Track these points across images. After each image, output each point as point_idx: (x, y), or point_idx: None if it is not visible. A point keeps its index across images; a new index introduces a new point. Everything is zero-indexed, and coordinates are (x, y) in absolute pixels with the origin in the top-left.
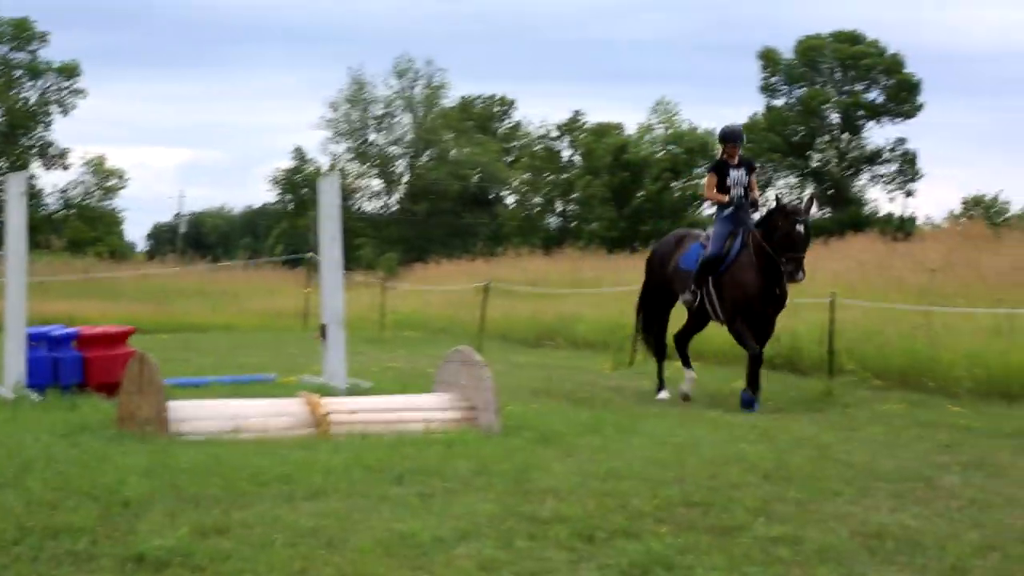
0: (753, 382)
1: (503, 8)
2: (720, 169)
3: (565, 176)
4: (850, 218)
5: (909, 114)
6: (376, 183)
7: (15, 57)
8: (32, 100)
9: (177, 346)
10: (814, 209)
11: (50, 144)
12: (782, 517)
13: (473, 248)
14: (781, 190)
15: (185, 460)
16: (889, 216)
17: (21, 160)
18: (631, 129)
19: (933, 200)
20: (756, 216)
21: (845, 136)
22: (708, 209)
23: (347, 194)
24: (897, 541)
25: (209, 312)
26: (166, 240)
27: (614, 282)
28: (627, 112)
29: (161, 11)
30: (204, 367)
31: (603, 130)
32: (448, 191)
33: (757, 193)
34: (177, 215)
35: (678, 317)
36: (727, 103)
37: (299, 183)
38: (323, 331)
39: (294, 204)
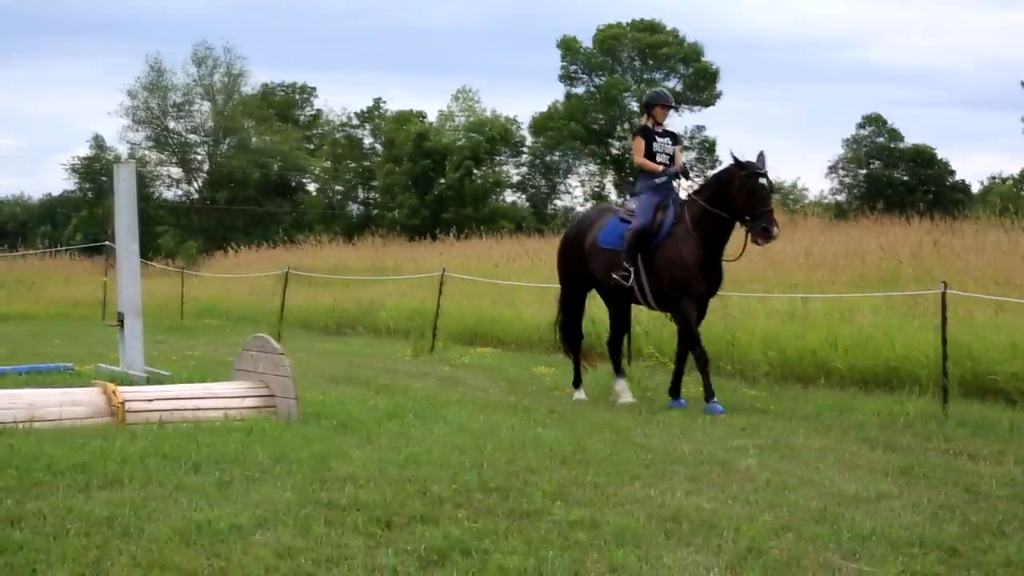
0: (708, 385)
1: None
2: (647, 134)
3: (367, 164)
4: None
5: (708, 102)
6: (176, 171)
7: None
8: None
9: None
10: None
11: None
12: (580, 501)
13: (275, 236)
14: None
15: None
16: None
17: None
18: (432, 117)
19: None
20: (690, 185)
21: None
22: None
23: (146, 182)
24: (693, 523)
25: (6, 301)
26: None
27: (415, 269)
28: (428, 100)
29: None
30: (0, 356)
31: (404, 118)
32: (249, 179)
33: (680, 165)
34: None
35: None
36: (528, 91)
37: (98, 171)
38: (120, 320)
39: (93, 192)
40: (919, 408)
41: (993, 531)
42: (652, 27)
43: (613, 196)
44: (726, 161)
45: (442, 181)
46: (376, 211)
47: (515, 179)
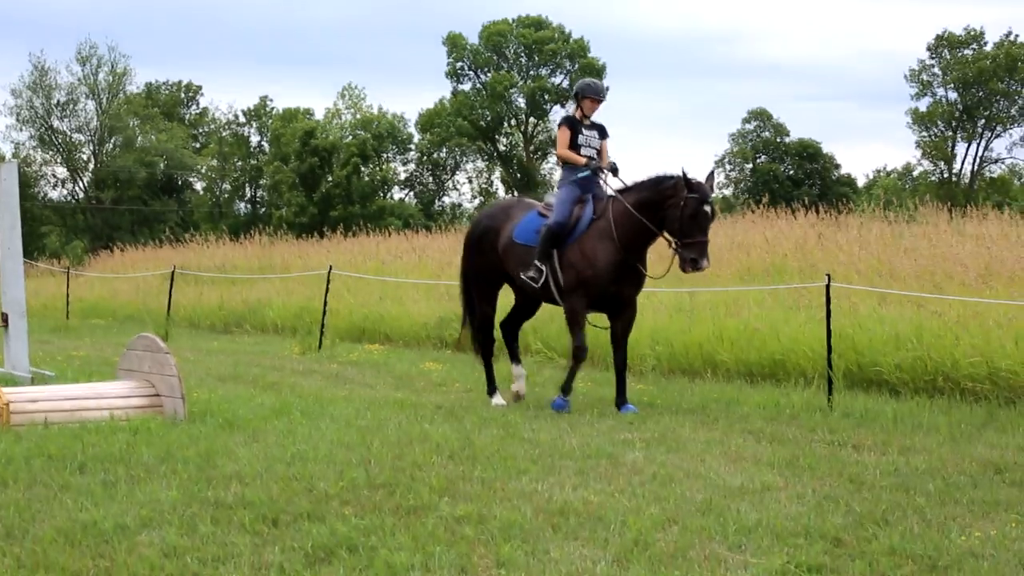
0: (570, 381)
1: None
2: (573, 126)
3: (254, 162)
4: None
5: None
6: (61, 171)
7: None
8: None
9: None
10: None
11: None
12: (467, 496)
13: (161, 235)
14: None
15: None
16: None
17: None
18: (319, 115)
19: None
20: (615, 183)
21: (531, 120)
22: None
23: (31, 182)
24: (580, 517)
25: None
26: None
27: (303, 267)
28: (315, 98)
29: None
30: None
31: (291, 115)
32: (135, 178)
33: (608, 163)
34: None
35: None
36: (415, 88)
37: None
38: (4, 320)
39: None
40: (804, 400)
41: (877, 520)
42: (538, 23)
43: (501, 192)
44: (614, 155)
45: (329, 179)
46: (264, 209)
47: (402, 176)
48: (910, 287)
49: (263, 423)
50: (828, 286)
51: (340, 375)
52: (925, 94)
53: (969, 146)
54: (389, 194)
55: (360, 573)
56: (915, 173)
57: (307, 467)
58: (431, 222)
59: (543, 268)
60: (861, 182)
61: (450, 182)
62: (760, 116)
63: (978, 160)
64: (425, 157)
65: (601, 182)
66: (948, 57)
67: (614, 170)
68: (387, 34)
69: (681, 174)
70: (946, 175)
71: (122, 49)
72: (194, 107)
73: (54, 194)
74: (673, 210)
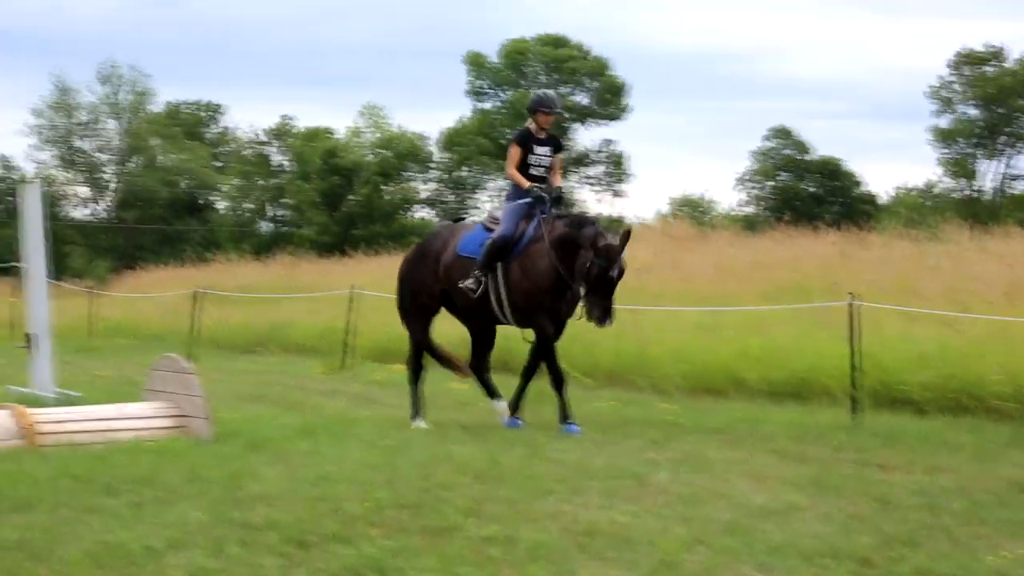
0: (519, 395)
1: (208, 13)
2: (524, 142)
3: (276, 181)
4: None
5: (615, 116)
6: (84, 190)
7: None
8: None
9: None
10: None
11: None
12: (494, 517)
13: (184, 255)
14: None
15: None
16: (598, 217)
17: None
18: (341, 133)
19: (643, 201)
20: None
21: None
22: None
23: (54, 201)
24: (608, 538)
25: None
26: None
27: (327, 287)
28: (336, 117)
29: None
30: None
31: (313, 135)
32: (158, 198)
33: (559, 179)
34: None
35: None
36: (436, 107)
37: (4, 192)
38: (29, 341)
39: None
40: (830, 419)
41: (904, 540)
42: (558, 41)
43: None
44: (635, 173)
45: (352, 198)
46: (286, 228)
47: (424, 195)
48: (935, 306)
49: (289, 443)
50: (852, 305)
51: (365, 395)
52: (946, 111)
53: (991, 163)
54: (411, 213)
55: None
56: (937, 190)
57: (333, 488)
58: None
59: (482, 279)
60: (882, 200)
61: (472, 200)
62: (782, 134)
63: (1001, 177)
64: (447, 176)
65: (545, 201)
66: (969, 74)
67: (557, 199)
68: (408, 53)
69: (594, 231)
70: (969, 192)
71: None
72: (215, 126)
73: (77, 213)
74: (582, 263)
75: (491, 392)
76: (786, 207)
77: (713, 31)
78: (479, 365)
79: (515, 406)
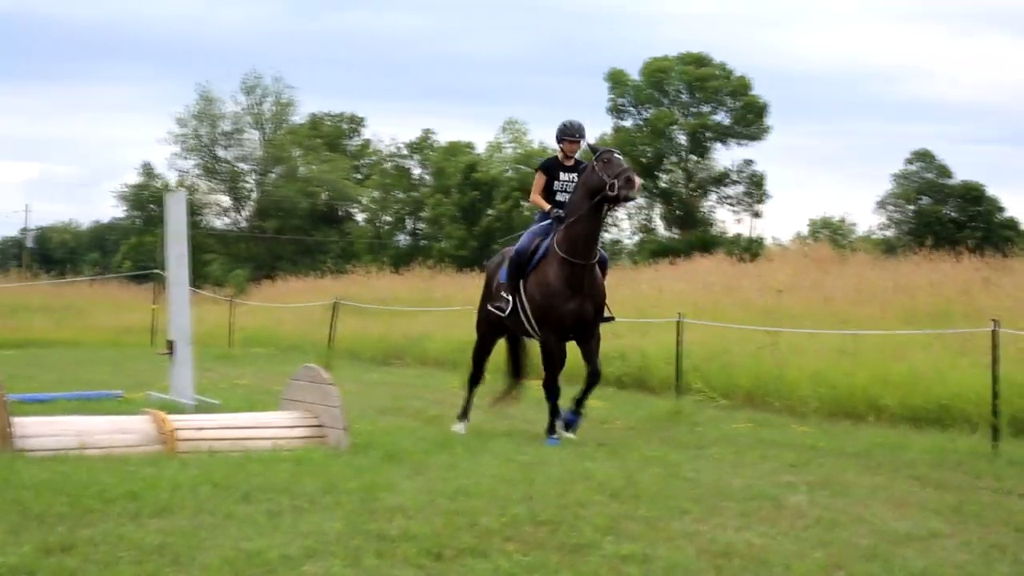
0: (552, 413)
1: (353, 26)
2: (550, 170)
3: (415, 194)
4: (698, 239)
5: (755, 136)
6: (225, 200)
7: None
8: None
9: (22, 362)
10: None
11: None
12: (631, 535)
13: (323, 266)
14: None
15: (30, 477)
16: (737, 237)
17: None
18: (481, 148)
19: (780, 222)
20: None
21: (693, 157)
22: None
23: (195, 210)
24: (744, 559)
25: (55, 328)
26: (11, 255)
27: (464, 300)
28: (477, 131)
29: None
30: (50, 383)
31: (453, 149)
32: (297, 208)
33: None
34: (23, 230)
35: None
36: None
37: (147, 199)
38: (170, 348)
39: (142, 220)
40: (970, 446)
41: None
42: (700, 60)
43: (661, 229)
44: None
45: (490, 212)
46: (424, 242)
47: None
48: None
49: (425, 456)
50: (995, 332)
51: (500, 410)
52: None
53: None
54: None
55: None
56: None
57: (470, 502)
58: None
59: (510, 298)
60: None
61: (610, 218)
62: (923, 157)
63: None
64: None
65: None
66: None
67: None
68: (550, 69)
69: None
70: None
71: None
72: (357, 138)
73: (218, 222)
74: (595, 175)
75: (465, 410)
76: (926, 231)
77: (857, 51)
78: (516, 381)
79: (565, 419)
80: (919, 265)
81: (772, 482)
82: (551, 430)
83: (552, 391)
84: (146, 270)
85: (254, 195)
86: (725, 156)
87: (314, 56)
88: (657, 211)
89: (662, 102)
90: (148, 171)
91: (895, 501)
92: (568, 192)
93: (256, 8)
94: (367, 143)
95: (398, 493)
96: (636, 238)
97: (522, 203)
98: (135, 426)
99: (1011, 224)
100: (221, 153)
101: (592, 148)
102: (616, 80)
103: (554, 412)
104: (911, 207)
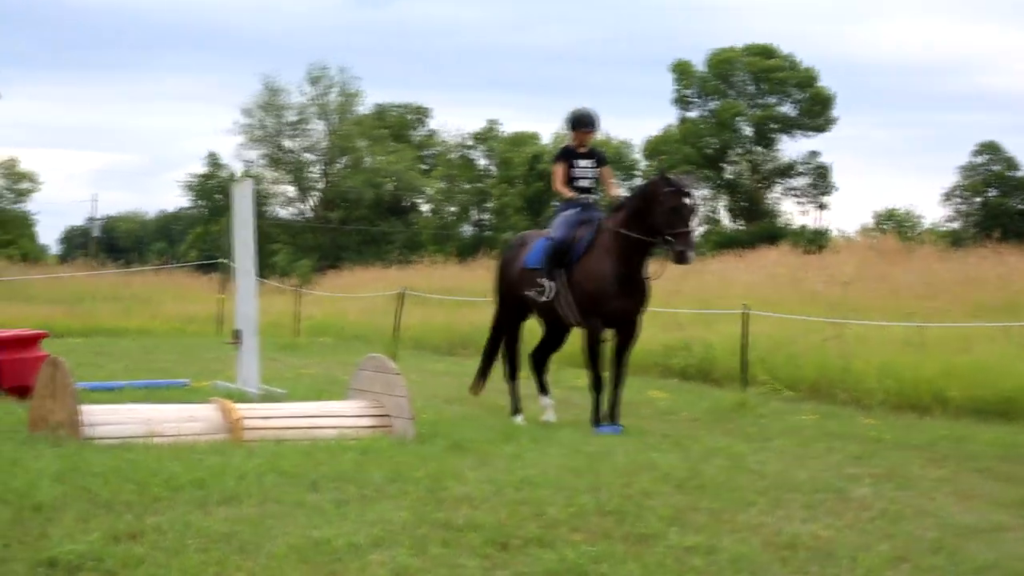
0: (596, 407)
1: (417, 17)
2: (567, 158)
3: (480, 185)
4: (763, 230)
5: (822, 128)
6: (290, 190)
7: None
8: None
9: (90, 350)
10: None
11: None
12: (696, 526)
13: (388, 256)
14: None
15: (98, 464)
16: (802, 229)
17: None
18: (546, 139)
19: (846, 213)
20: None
21: (758, 149)
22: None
23: (261, 200)
24: (809, 551)
25: (122, 316)
26: (79, 244)
27: None
28: (542, 122)
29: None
30: (117, 371)
31: (518, 139)
32: (363, 199)
33: (615, 189)
34: (90, 219)
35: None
36: (641, 115)
37: (212, 189)
38: (237, 337)
39: (208, 210)
40: None
41: None
42: (766, 51)
43: (726, 221)
44: (839, 185)
45: (555, 203)
46: (489, 232)
47: None
48: None
49: (491, 446)
50: None
51: (566, 400)
52: None
53: None
54: None
55: None
56: None
57: (536, 492)
58: None
59: (547, 284)
60: None
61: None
62: (990, 149)
63: None
64: None
65: (595, 207)
66: None
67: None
68: (615, 60)
69: (659, 177)
70: None
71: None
72: (422, 129)
73: (283, 212)
74: (657, 207)
75: (540, 386)
76: (994, 224)
77: (924, 43)
78: (540, 356)
79: (612, 414)
80: (986, 258)
81: (837, 474)
82: (601, 419)
83: (598, 383)
84: (212, 259)
85: (319, 185)
86: (791, 148)
87: (380, 46)
88: (722, 203)
89: (728, 93)
90: (214, 161)
91: (960, 494)
92: (586, 178)
93: None
94: (433, 134)
95: (464, 483)
96: (701, 229)
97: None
98: (202, 414)
99: None
100: (286, 143)
101: (665, 177)
102: (682, 71)
103: (599, 401)
104: (978, 199)
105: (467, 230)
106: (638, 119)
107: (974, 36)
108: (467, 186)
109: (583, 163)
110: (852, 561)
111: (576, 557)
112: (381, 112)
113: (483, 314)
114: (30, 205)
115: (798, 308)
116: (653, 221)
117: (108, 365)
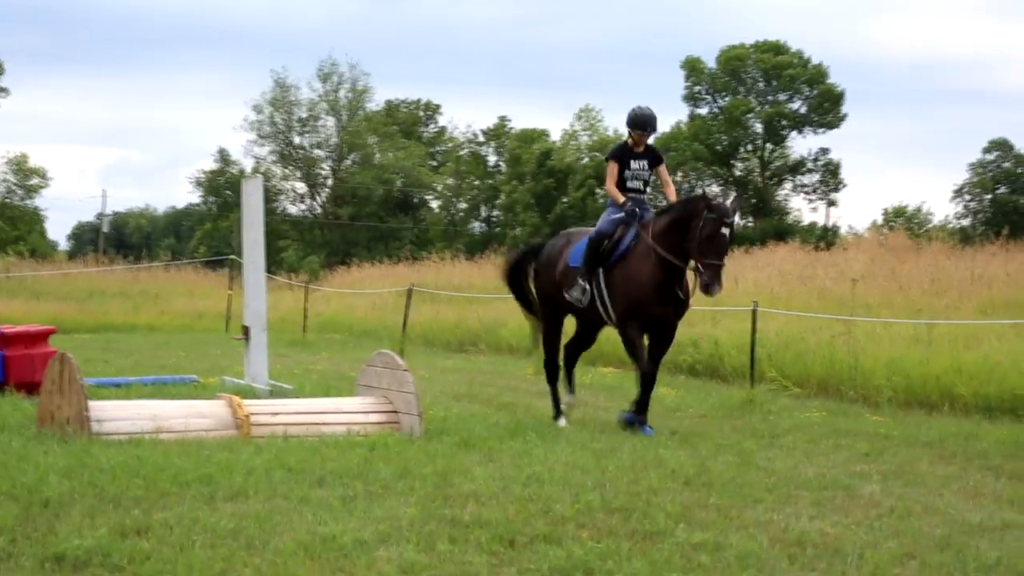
0: (643, 403)
1: (428, 13)
2: (622, 157)
3: (490, 182)
4: (773, 227)
5: (832, 125)
6: (300, 186)
7: None
8: None
9: (98, 346)
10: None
11: None
12: (703, 523)
13: (397, 253)
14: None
15: (106, 460)
16: (812, 226)
17: None
18: (556, 135)
19: (855, 210)
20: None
21: (768, 146)
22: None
23: (270, 196)
24: (817, 548)
25: (131, 312)
26: (88, 240)
27: None
28: (552, 119)
29: (85, 11)
30: (125, 368)
31: (529, 136)
32: (372, 195)
33: (672, 189)
34: (99, 215)
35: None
36: None
37: (222, 185)
38: (245, 333)
39: (217, 206)
40: None
41: None
42: (776, 48)
43: (735, 217)
44: (849, 182)
45: (564, 200)
46: (499, 229)
47: None
48: None
49: (498, 443)
50: None
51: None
52: None
53: None
54: None
55: None
56: None
57: (543, 489)
58: None
59: (586, 286)
60: None
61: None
62: (1001, 146)
63: None
64: None
65: (645, 205)
66: None
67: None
68: (625, 57)
69: (703, 198)
70: None
71: (363, 67)
72: (432, 125)
73: (292, 209)
74: (694, 230)
75: (567, 382)
76: (1003, 221)
77: (934, 39)
78: (572, 356)
79: (642, 414)
80: (995, 255)
81: (845, 471)
82: (641, 410)
83: (647, 379)
84: (221, 256)
85: (329, 182)
86: (801, 144)
87: (390, 43)
88: (733, 194)
89: (738, 90)
90: (224, 157)
91: (968, 491)
92: (639, 179)
93: None
94: (443, 130)
95: (471, 479)
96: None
97: (596, 191)
98: (210, 410)
99: None
100: (297, 140)
101: (707, 200)
102: (692, 68)
103: (645, 402)
104: (988, 196)
105: (477, 227)
106: None
107: (985, 32)
108: (477, 182)
109: (636, 164)
110: (860, 558)
111: (583, 554)
112: (391, 108)
113: (492, 311)
114: (39, 201)
115: (807, 305)
116: (688, 243)
117: (116, 361)
